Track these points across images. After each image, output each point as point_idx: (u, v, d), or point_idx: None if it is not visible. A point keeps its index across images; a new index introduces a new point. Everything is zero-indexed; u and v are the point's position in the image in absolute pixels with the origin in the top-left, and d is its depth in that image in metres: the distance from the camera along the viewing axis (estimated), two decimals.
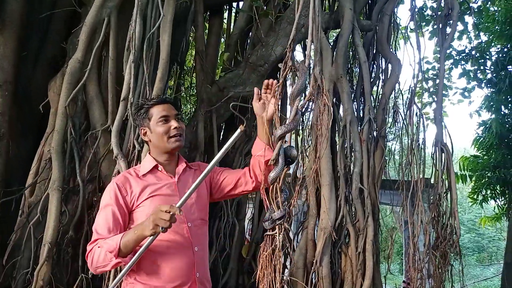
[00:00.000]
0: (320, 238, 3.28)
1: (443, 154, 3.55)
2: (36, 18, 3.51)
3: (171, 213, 1.42)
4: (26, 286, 2.71)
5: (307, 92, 2.16)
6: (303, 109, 1.62)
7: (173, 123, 1.75)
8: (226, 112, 3.98)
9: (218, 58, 4.68)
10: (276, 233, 1.42)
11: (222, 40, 5.24)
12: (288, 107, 2.79)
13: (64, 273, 2.80)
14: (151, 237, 1.46)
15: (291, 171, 3.85)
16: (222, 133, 4.54)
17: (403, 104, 4.36)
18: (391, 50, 4.28)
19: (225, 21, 5.27)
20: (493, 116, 7.21)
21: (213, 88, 3.90)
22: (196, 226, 1.71)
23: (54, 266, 2.66)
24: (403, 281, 6.88)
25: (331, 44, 4.33)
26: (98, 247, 1.56)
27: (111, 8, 2.90)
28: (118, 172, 2.42)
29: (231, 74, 3.97)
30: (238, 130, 1.35)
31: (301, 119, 4.34)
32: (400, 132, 4.29)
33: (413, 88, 4.06)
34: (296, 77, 1.50)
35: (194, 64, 5.15)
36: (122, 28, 3.02)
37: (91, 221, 2.89)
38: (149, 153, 1.83)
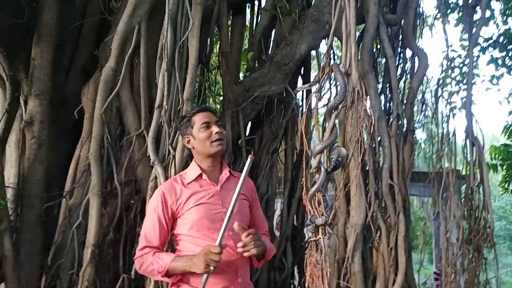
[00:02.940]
0: (351, 234, 3.31)
1: (474, 147, 3.51)
2: (68, 27, 3.63)
3: (219, 253, 1.59)
4: (71, 286, 2.86)
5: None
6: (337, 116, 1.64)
7: (215, 129, 1.85)
8: (253, 112, 4.03)
9: (242, 56, 4.73)
10: (320, 238, 1.48)
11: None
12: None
13: (106, 273, 2.93)
14: (206, 275, 1.63)
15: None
16: (248, 133, 4.57)
17: (431, 95, 4.32)
18: (417, 43, 4.22)
19: (247, 19, 5.28)
20: None
21: (239, 88, 3.95)
22: (237, 234, 1.78)
23: (97, 267, 2.78)
24: (434, 272, 6.82)
25: (356, 39, 4.30)
26: (150, 263, 1.73)
27: (141, 16, 2.98)
28: (156, 177, 2.52)
29: (256, 74, 4.00)
30: (249, 160, 1.54)
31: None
32: (430, 125, 4.25)
33: (440, 80, 4.02)
34: (336, 90, 1.53)
35: (218, 63, 5.22)
36: (151, 35, 3.10)
37: (129, 222, 3.02)
38: (194, 160, 1.92)
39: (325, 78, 1.68)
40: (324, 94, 3.22)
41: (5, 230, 2.71)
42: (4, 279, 2.73)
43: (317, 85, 1.67)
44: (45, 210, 3.11)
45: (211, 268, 1.60)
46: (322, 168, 1.55)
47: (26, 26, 3.26)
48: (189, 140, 1.92)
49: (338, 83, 1.56)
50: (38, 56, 3.17)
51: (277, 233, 4.75)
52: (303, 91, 4.95)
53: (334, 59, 5.43)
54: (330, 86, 1.68)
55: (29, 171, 3.08)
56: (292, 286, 4.53)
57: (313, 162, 1.61)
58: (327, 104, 1.60)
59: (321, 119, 4.10)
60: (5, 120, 3.45)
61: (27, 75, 3.32)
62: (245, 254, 1.67)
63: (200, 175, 1.88)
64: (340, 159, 1.64)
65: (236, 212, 1.85)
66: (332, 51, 4.20)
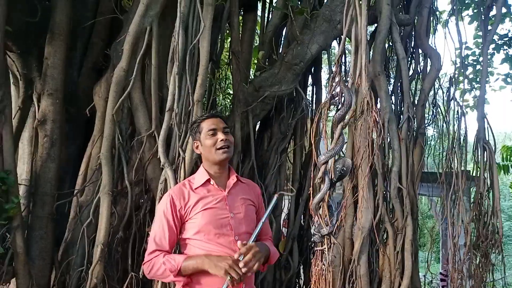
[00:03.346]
0: (358, 237, 3.30)
1: (485, 152, 3.47)
2: (79, 26, 3.65)
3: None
4: (81, 283, 2.92)
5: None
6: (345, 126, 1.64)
7: (220, 136, 1.88)
8: (262, 111, 4.03)
9: (253, 54, 4.71)
10: (325, 248, 1.49)
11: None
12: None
13: (115, 271, 2.98)
14: (226, 283, 1.70)
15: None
16: (257, 132, 4.57)
17: (442, 91, 4.26)
18: (430, 42, 4.16)
19: (259, 16, 5.25)
20: None
21: (249, 88, 3.95)
22: (242, 240, 1.81)
23: (106, 265, 2.83)
24: (440, 273, 6.80)
25: (368, 39, 4.26)
26: (162, 263, 1.76)
27: (153, 17, 2.98)
28: (165, 180, 2.54)
29: (266, 74, 3.99)
30: (275, 197, 1.68)
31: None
32: (441, 122, 4.20)
33: (453, 79, 3.98)
34: (341, 102, 1.53)
35: (228, 59, 5.20)
36: (163, 36, 3.11)
37: (139, 221, 3.07)
38: (202, 165, 1.96)
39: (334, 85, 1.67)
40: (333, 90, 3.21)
41: (17, 227, 2.76)
42: (15, 275, 2.80)
43: (327, 93, 1.66)
44: (56, 207, 3.16)
45: (228, 278, 1.66)
46: (327, 178, 1.56)
47: (38, 24, 3.29)
48: (198, 146, 1.96)
49: (343, 95, 1.56)
50: (51, 55, 3.20)
51: (284, 230, 4.77)
52: (312, 91, 4.94)
53: (345, 56, 5.37)
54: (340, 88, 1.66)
55: (42, 169, 3.13)
56: (297, 285, 4.56)
57: (319, 172, 1.61)
58: (334, 114, 1.59)
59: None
60: (18, 117, 3.51)
61: (39, 73, 3.36)
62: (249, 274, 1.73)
63: (208, 180, 1.91)
64: (345, 169, 1.65)
65: (243, 218, 1.89)
66: (343, 56, 4.18)
